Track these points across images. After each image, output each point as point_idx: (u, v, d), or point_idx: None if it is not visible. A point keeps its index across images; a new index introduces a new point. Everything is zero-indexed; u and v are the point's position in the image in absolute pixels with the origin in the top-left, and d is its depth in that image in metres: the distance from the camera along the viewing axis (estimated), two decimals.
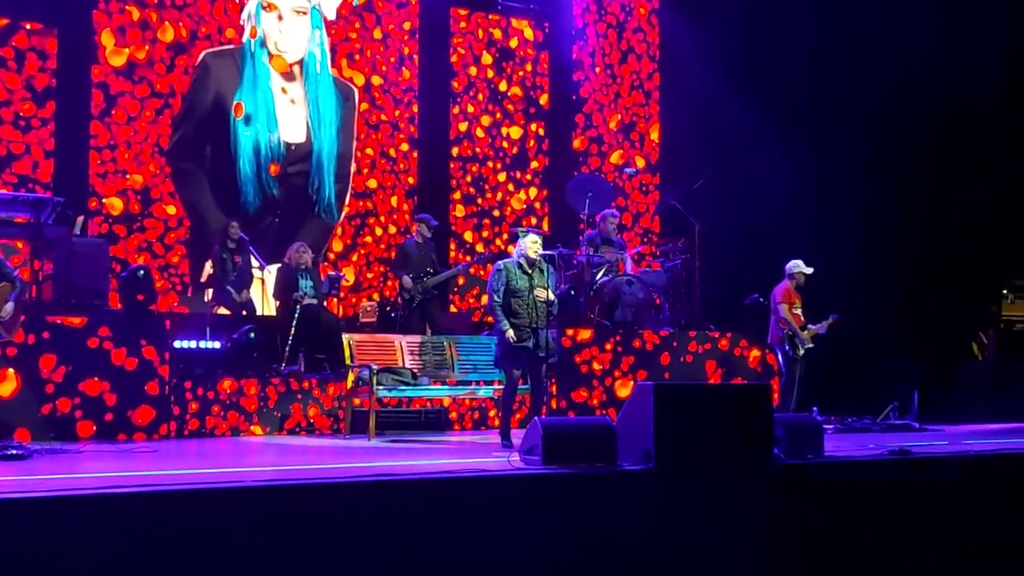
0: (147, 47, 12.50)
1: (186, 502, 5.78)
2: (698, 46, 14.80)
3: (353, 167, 13.72)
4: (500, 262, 9.20)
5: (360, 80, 13.73)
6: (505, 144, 14.57)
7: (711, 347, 11.98)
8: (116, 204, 12.33)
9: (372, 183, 13.73)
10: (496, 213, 14.41)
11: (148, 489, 5.84)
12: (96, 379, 9.41)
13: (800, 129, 14.14)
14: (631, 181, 15.04)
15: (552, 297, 9.01)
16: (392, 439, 10.04)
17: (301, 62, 13.42)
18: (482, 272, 13.80)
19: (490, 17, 14.58)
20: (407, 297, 11.92)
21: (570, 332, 11.24)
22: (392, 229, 13.72)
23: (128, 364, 9.56)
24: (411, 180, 13.95)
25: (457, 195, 14.23)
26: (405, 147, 13.94)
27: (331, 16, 13.62)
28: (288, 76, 13.28)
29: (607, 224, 12.39)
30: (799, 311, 11.07)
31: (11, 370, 9.09)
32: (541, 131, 14.78)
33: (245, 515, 5.82)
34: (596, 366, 11.35)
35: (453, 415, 11.26)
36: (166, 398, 9.79)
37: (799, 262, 11.13)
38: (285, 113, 13.32)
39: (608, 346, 11.40)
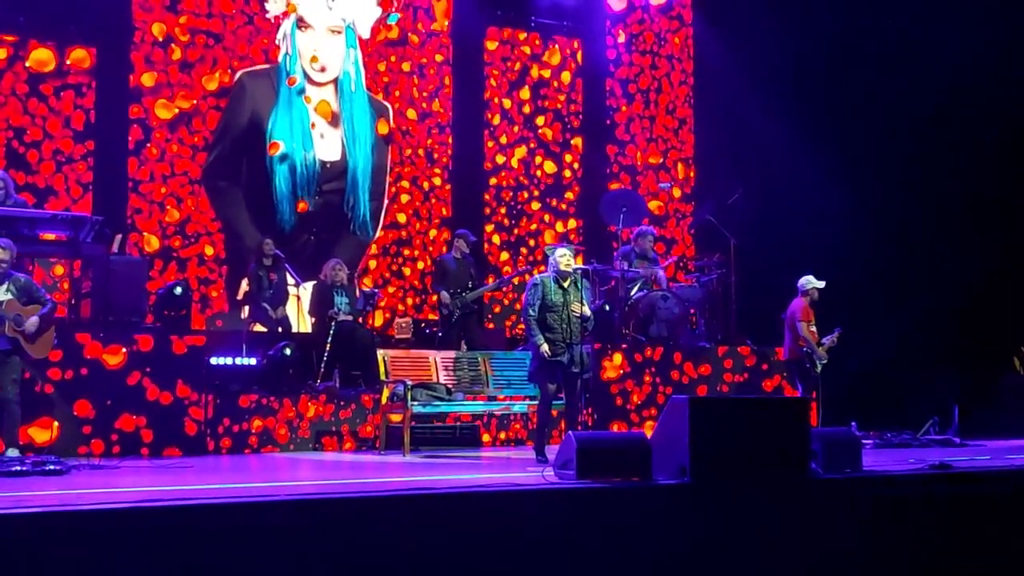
0: (191, 98, 12.63)
1: (222, 515, 5.80)
2: (732, 60, 14.80)
3: (388, 182, 13.80)
4: (537, 275, 9.22)
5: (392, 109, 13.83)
6: (539, 173, 14.61)
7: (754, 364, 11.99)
8: (152, 241, 12.45)
9: (402, 217, 13.82)
10: (532, 242, 14.44)
11: (184, 502, 5.87)
12: (131, 415, 9.50)
13: (836, 139, 14.07)
14: (666, 201, 15.03)
15: (588, 312, 9.01)
16: (427, 455, 10.05)
17: (336, 81, 13.53)
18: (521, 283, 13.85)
19: (521, 37, 14.62)
20: (446, 312, 11.94)
21: (606, 363, 11.22)
22: (428, 261, 13.74)
23: (163, 399, 9.65)
24: (444, 211, 14.01)
25: (490, 227, 14.26)
26: (438, 181, 13.99)
27: (365, 35, 13.74)
28: (330, 120, 13.37)
29: (644, 241, 12.37)
30: (814, 328, 11.06)
31: (55, 422, 9.19)
32: (576, 164, 14.81)
33: (280, 529, 5.84)
34: (635, 398, 11.32)
35: (487, 431, 11.26)
36: (202, 420, 9.86)
37: (811, 278, 11.11)
38: (321, 131, 13.43)
39: (647, 379, 11.39)
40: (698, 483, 7.07)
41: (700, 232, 14.81)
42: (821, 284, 11.10)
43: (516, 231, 14.38)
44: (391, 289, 13.55)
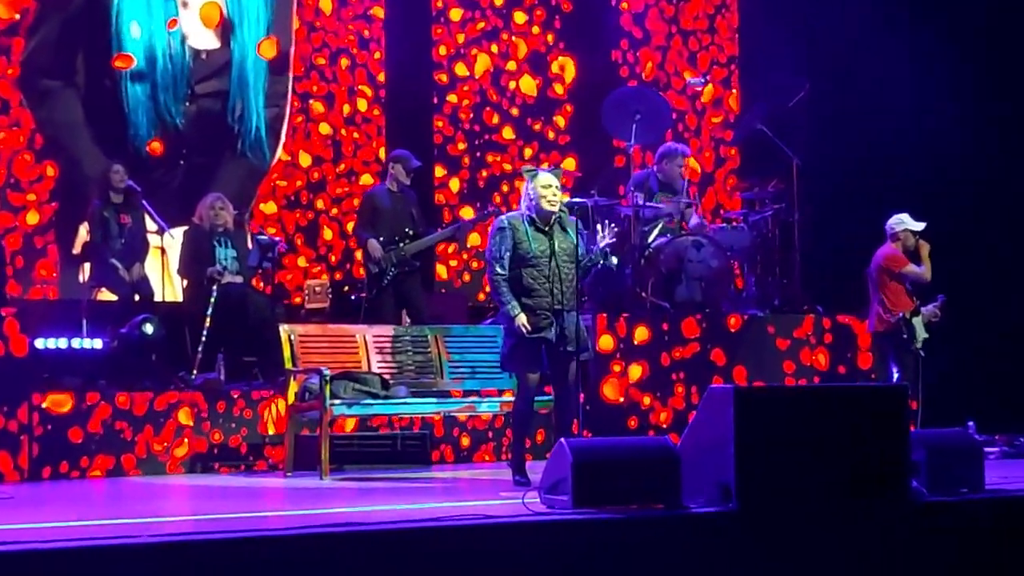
0: None
1: (54, 565, 5.78)
2: None
3: (291, 82, 13.71)
4: (503, 217, 9.17)
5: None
6: (513, 85, 14.68)
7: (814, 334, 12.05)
8: None
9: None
10: (505, 188, 14.44)
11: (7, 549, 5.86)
12: None
13: (942, 18, 14.05)
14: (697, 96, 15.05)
15: (615, 260, 8.97)
16: (354, 476, 10.02)
17: None
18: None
19: None
20: (375, 271, 11.91)
21: (608, 342, 11.25)
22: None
23: None
24: (375, 145, 14.06)
25: (442, 170, 14.30)
26: (363, 104, 14.02)
27: None
28: None
29: (671, 164, 12.34)
30: (909, 286, 11.12)
31: None
32: (569, 73, 14.86)
33: None
34: (651, 398, 11.36)
35: (441, 441, 11.27)
36: (24, 425, 9.82)
37: (904, 217, 11.21)
38: (192, 4, 13.34)
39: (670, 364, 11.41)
40: (748, 511, 7.10)
41: (748, 149, 14.80)
42: (919, 226, 11.17)
43: (483, 173, 14.27)
44: (302, 262, 13.47)
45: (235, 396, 10.77)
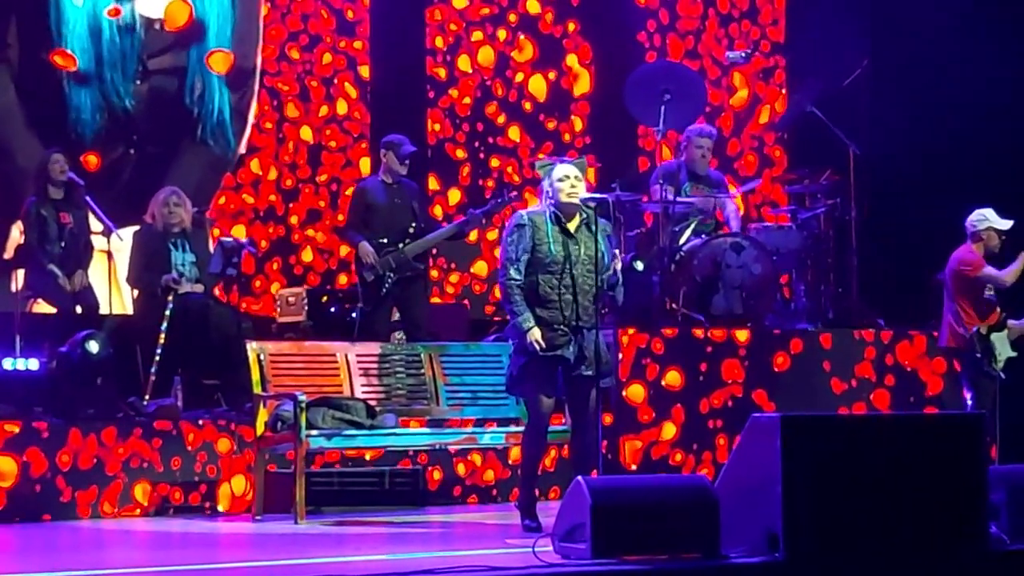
0: None
1: None
2: None
3: (259, 57, 13.76)
4: (523, 212, 9.17)
5: None
6: (519, 79, 14.78)
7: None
8: None
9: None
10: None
11: None
12: None
13: None
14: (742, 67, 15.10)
15: (616, 267, 8.97)
16: (335, 520, 10.04)
17: None
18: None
19: None
20: (371, 278, 11.84)
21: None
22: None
23: None
24: (363, 146, 14.16)
25: (434, 181, 14.35)
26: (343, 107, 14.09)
27: None
28: None
29: (690, 148, 12.39)
30: (991, 295, 11.12)
31: None
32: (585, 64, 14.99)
33: None
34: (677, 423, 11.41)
35: (437, 478, 11.30)
36: None
37: (988, 212, 11.14)
38: None
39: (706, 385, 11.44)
40: (797, 562, 7.11)
41: (797, 134, 14.83)
42: (1005, 224, 11.14)
43: (485, 182, 14.30)
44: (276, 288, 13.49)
45: (195, 425, 10.76)
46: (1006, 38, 13.69)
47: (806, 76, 14.24)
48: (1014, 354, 11.08)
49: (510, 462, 11.28)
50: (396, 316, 11.98)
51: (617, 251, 9.17)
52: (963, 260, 11.15)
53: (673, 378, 11.47)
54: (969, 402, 11.10)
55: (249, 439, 10.45)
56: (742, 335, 11.68)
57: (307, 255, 13.86)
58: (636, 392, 11.35)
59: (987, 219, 11.15)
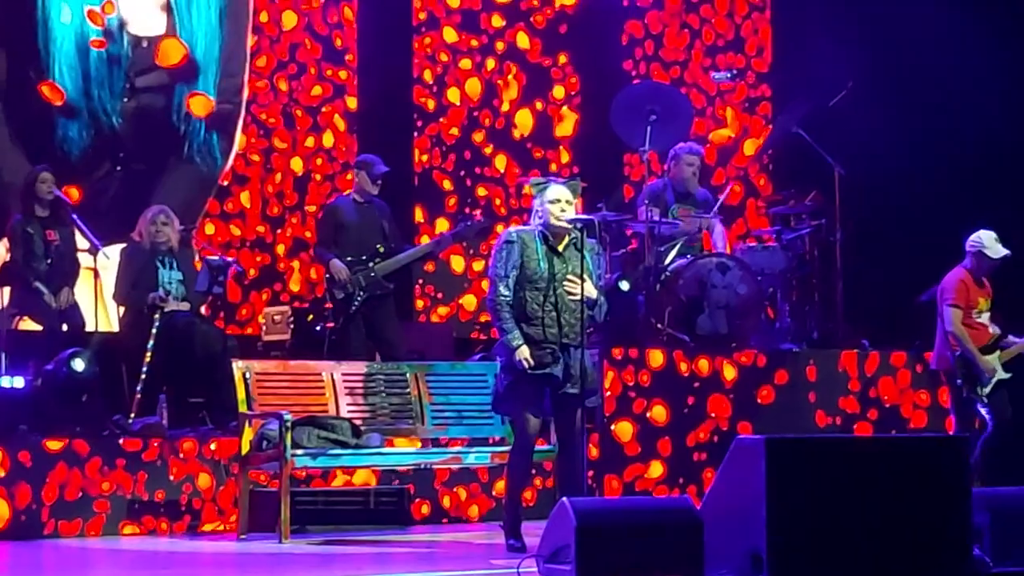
0: None
1: None
2: None
3: (247, 74, 13.78)
4: (512, 229, 9.18)
5: None
6: (505, 108, 14.81)
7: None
8: None
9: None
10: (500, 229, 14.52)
11: None
12: None
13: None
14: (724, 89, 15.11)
15: (595, 293, 9.01)
16: (320, 540, 10.03)
17: None
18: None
19: None
20: (341, 296, 11.91)
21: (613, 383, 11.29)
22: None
23: None
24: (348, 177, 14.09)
25: (420, 213, 14.39)
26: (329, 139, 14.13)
27: None
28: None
29: (679, 166, 12.41)
30: (985, 318, 11.11)
31: None
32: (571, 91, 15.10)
33: None
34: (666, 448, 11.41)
35: (423, 498, 11.29)
36: None
37: (984, 238, 11.04)
38: None
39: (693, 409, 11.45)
40: None
41: (782, 155, 14.85)
42: (996, 254, 11.03)
43: (472, 212, 14.30)
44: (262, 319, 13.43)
45: (180, 444, 10.75)
46: (991, 59, 13.71)
47: (791, 97, 14.27)
48: (1007, 376, 11.05)
49: (494, 494, 11.27)
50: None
51: (587, 275, 9.13)
52: (944, 285, 11.13)
53: (659, 412, 11.46)
54: (956, 425, 11.11)
55: (238, 458, 10.43)
56: (729, 373, 11.66)
57: (295, 284, 13.85)
58: (624, 429, 11.34)
59: (981, 244, 11.05)
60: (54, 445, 10.30)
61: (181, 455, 10.68)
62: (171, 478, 10.67)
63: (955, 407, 11.16)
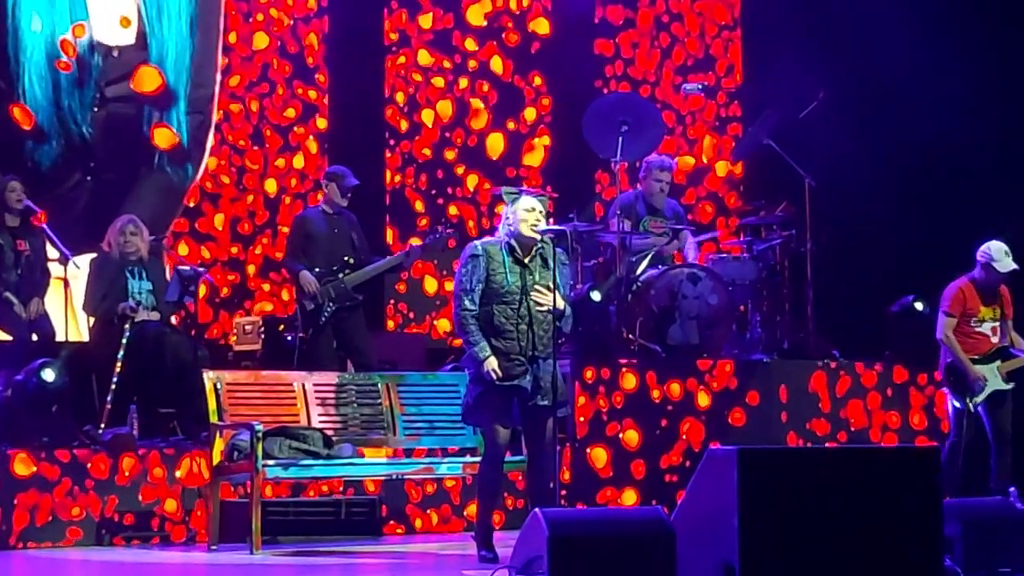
0: None
1: None
2: None
3: (217, 85, 13.76)
4: (477, 243, 9.20)
5: None
6: (473, 126, 14.82)
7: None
8: None
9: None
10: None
11: None
12: None
13: (994, 17, 14.12)
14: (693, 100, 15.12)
15: (562, 304, 9.03)
16: (291, 550, 10.03)
17: None
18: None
19: None
20: (311, 307, 11.91)
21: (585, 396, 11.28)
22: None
23: None
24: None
25: (391, 233, 14.35)
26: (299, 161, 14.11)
27: None
28: None
29: (648, 180, 12.44)
30: (985, 327, 11.12)
31: None
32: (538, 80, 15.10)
33: None
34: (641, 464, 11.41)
35: (394, 508, 11.27)
36: None
37: (995, 249, 10.96)
38: None
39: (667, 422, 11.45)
40: None
41: (752, 166, 14.88)
42: (1005, 267, 10.91)
43: (443, 228, 14.31)
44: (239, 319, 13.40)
45: (149, 454, 10.72)
46: (961, 71, 13.74)
47: (762, 109, 14.29)
48: (1006, 387, 11.01)
49: (465, 515, 11.24)
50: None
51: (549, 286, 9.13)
52: (944, 292, 11.13)
53: (631, 436, 11.45)
54: (950, 436, 11.08)
55: (206, 467, 10.41)
56: (703, 400, 11.65)
57: (267, 305, 13.83)
58: (599, 455, 11.35)
59: (990, 256, 10.97)
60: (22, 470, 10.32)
61: (150, 480, 10.67)
62: (140, 499, 10.66)
63: (954, 422, 11.09)
